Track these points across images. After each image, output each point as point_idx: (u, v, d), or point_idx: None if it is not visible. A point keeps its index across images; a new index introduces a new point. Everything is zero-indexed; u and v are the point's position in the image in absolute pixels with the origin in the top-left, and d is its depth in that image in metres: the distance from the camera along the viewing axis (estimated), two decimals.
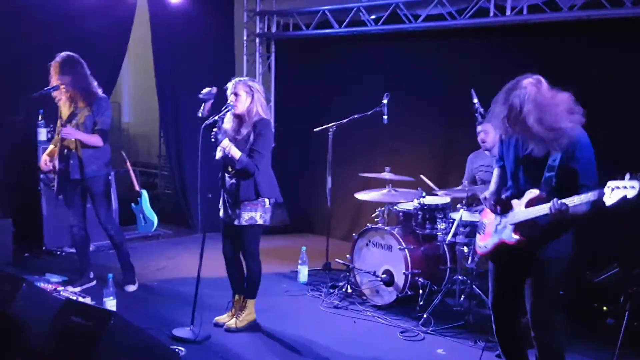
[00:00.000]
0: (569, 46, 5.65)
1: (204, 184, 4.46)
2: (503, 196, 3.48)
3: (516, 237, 3.30)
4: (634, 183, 2.80)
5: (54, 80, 5.10)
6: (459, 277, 5.08)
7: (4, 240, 6.03)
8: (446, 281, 5.14)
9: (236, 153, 4.38)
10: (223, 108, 4.40)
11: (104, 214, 5.35)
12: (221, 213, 4.67)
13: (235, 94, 4.42)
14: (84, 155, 5.16)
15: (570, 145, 3.13)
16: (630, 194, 2.80)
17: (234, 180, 4.49)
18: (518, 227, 3.30)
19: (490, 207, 3.51)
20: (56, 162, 5.25)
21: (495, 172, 3.63)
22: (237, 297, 4.85)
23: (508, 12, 5.94)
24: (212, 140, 4.37)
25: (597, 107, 5.30)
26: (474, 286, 4.99)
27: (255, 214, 4.52)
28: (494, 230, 3.48)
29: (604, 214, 3.11)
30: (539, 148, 3.19)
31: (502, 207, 3.43)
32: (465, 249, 5.01)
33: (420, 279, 5.10)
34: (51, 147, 5.37)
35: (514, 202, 3.35)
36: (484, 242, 3.57)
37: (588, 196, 2.96)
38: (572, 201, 3.00)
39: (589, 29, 5.53)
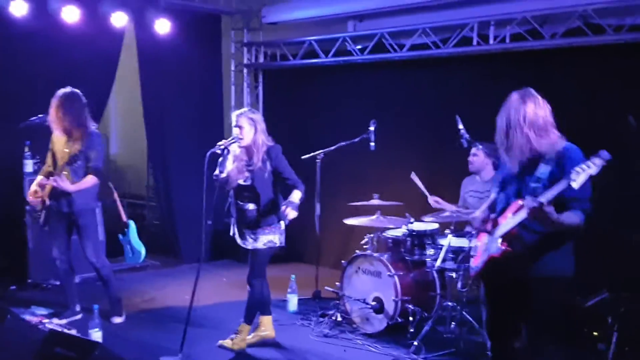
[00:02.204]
0: (552, 73, 5.71)
1: (196, 211, 4.47)
2: (493, 215, 3.48)
3: (502, 247, 3.26)
4: (595, 160, 2.94)
5: (53, 112, 5.05)
6: (449, 303, 5.04)
7: None
8: (436, 308, 5.08)
9: (296, 198, 4.51)
10: (229, 139, 4.56)
11: (90, 248, 5.27)
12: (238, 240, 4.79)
13: (239, 127, 4.56)
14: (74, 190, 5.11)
15: (562, 158, 3.17)
16: (593, 171, 2.92)
17: (252, 207, 4.61)
18: (505, 238, 3.29)
19: (477, 225, 3.51)
20: (46, 199, 5.17)
21: (492, 196, 3.63)
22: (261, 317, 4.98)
23: (491, 41, 6.02)
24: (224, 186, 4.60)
25: (581, 132, 5.36)
26: (464, 313, 4.96)
27: (274, 237, 4.67)
28: (484, 249, 3.46)
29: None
30: (531, 160, 3.24)
31: (492, 225, 3.42)
32: (454, 275, 4.98)
33: (410, 306, 5.05)
34: (39, 177, 5.30)
35: (500, 217, 3.36)
36: (476, 263, 3.53)
37: (558, 187, 3.00)
38: (546, 197, 3.01)
39: (571, 56, 5.60)
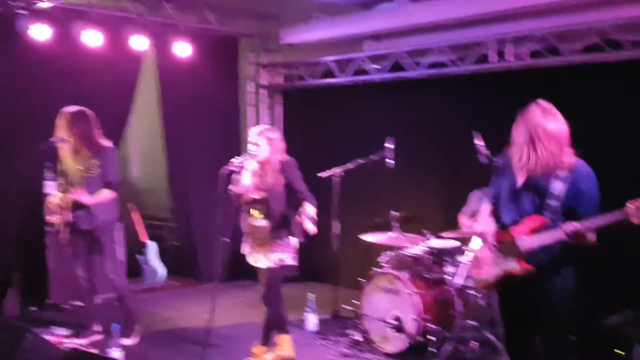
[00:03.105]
0: (571, 90, 5.66)
1: (215, 232, 4.49)
2: (498, 226, 3.43)
3: (524, 266, 3.23)
4: None
5: (61, 132, 5.12)
6: (471, 322, 4.96)
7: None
8: (458, 327, 5.00)
9: (311, 210, 4.57)
10: (243, 155, 4.61)
11: (109, 266, 5.26)
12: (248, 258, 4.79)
13: (256, 144, 4.60)
14: (92, 206, 5.11)
15: (576, 176, 3.18)
16: None
17: (264, 222, 4.62)
18: (524, 255, 3.23)
19: (487, 239, 3.43)
20: (67, 215, 5.21)
21: (487, 207, 3.56)
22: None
23: (509, 58, 5.99)
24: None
25: (599, 149, 5.31)
26: (486, 332, 4.88)
27: (285, 255, 4.64)
28: (493, 262, 3.39)
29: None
30: (542, 175, 3.23)
31: (501, 238, 3.36)
32: (476, 293, 4.91)
33: (431, 325, 4.98)
34: (57, 200, 5.31)
35: (513, 230, 3.31)
36: (485, 276, 3.46)
37: (613, 216, 2.98)
38: (595, 222, 3.02)
39: (590, 73, 5.56)
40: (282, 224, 4.63)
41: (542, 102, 3.31)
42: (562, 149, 3.18)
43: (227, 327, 5.79)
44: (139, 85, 7.38)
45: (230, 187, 4.55)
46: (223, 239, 4.47)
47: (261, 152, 4.59)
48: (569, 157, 3.21)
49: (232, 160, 4.53)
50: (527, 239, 3.23)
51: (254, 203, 4.67)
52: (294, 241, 4.68)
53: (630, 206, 2.91)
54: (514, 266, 3.26)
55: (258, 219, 4.66)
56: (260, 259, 4.69)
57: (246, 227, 4.75)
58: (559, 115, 3.26)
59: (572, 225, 3.05)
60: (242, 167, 4.56)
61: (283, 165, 4.64)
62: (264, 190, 4.62)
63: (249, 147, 4.63)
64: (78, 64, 6.52)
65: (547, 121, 3.19)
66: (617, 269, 5.11)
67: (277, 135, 4.73)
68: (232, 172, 4.52)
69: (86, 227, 5.14)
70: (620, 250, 4.89)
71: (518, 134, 3.27)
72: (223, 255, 4.51)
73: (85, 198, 4.99)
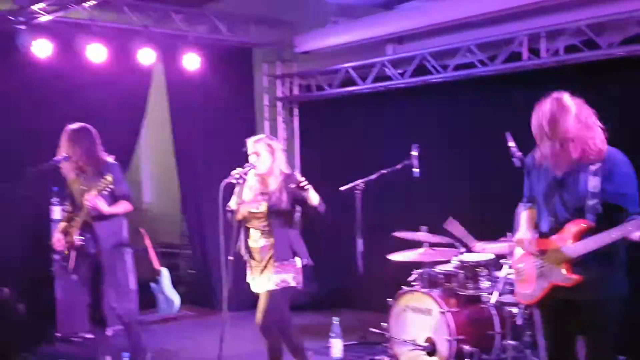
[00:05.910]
0: (612, 85, 5.60)
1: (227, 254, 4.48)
2: (537, 234, 3.41)
3: (574, 277, 3.19)
4: None
5: (64, 151, 5.20)
6: (511, 342, 4.86)
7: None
8: (496, 348, 4.96)
9: (315, 198, 4.45)
10: (245, 167, 4.53)
11: (112, 292, 5.23)
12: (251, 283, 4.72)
13: (256, 154, 4.55)
14: (98, 229, 5.14)
15: (607, 166, 3.16)
16: None
17: (265, 241, 4.57)
18: (572, 264, 3.20)
19: (527, 249, 3.42)
20: (74, 238, 5.25)
21: (524, 215, 3.56)
22: None
23: (543, 55, 5.96)
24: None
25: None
26: (527, 352, 4.78)
27: (288, 276, 4.54)
28: (537, 274, 3.37)
29: None
30: (574, 169, 3.22)
31: (542, 246, 3.34)
32: (515, 310, 4.83)
33: (466, 347, 4.89)
34: (63, 224, 5.38)
35: (555, 238, 3.28)
36: (529, 290, 3.44)
37: None
38: None
39: (631, 66, 5.48)
40: (286, 244, 4.55)
41: (559, 94, 3.28)
42: (584, 140, 3.15)
43: (241, 354, 5.77)
44: (150, 103, 7.49)
45: (228, 204, 4.51)
46: (227, 257, 4.42)
47: (263, 162, 4.55)
48: (598, 147, 3.18)
49: (233, 172, 4.47)
50: (574, 246, 3.18)
51: (253, 220, 4.60)
52: (298, 262, 4.59)
53: None
54: (562, 277, 3.23)
55: (258, 240, 4.59)
56: (261, 284, 4.58)
57: (246, 246, 4.66)
58: (580, 103, 3.23)
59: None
60: (243, 179, 4.50)
61: (287, 177, 4.58)
62: (265, 201, 4.54)
63: (250, 157, 4.58)
64: (83, 81, 6.67)
65: (569, 112, 3.16)
66: None
67: (278, 143, 4.73)
68: (233, 185, 4.48)
69: (92, 250, 5.16)
70: None
71: (539, 127, 3.25)
72: (231, 274, 4.43)
73: (102, 206, 4.96)
